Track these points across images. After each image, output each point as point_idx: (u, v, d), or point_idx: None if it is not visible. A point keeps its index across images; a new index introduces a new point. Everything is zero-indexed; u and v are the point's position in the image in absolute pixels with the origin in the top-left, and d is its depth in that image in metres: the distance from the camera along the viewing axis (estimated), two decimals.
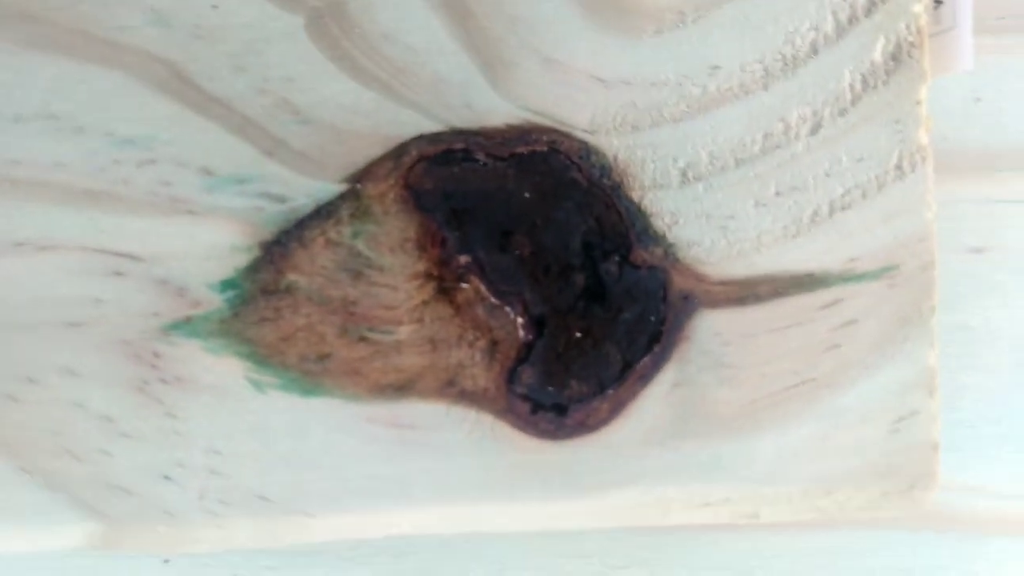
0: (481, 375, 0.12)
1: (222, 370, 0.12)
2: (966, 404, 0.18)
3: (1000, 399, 0.18)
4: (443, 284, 0.12)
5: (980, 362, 0.18)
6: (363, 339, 0.12)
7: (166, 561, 0.17)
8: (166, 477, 0.12)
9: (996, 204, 0.18)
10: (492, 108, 0.12)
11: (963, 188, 0.18)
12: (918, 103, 0.12)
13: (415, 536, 0.14)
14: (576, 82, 0.12)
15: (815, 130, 0.12)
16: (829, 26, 0.12)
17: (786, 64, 0.12)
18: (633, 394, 0.12)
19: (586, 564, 0.17)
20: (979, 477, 0.18)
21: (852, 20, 0.12)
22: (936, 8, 0.13)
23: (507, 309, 0.12)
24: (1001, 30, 0.17)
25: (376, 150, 0.12)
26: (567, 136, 0.12)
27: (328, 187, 0.12)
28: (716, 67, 0.12)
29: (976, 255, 0.18)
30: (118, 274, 0.12)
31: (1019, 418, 0.19)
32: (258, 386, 0.12)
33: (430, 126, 0.12)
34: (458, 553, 0.17)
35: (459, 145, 0.12)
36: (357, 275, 0.12)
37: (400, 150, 0.12)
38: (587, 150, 0.12)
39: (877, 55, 0.12)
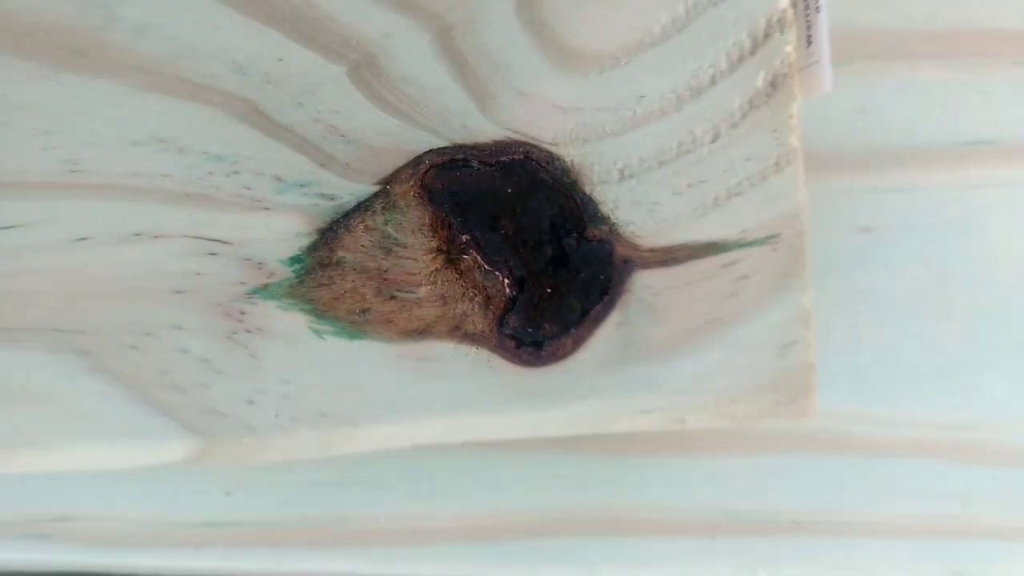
0: (479, 321, 0.16)
1: (291, 322, 0.16)
2: (861, 350, 0.23)
3: (888, 345, 0.23)
4: (450, 256, 0.16)
5: (871, 317, 0.23)
6: (393, 297, 0.16)
7: (228, 494, 0.21)
8: (249, 402, 0.16)
9: (880, 192, 0.23)
10: (483, 129, 0.16)
11: (854, 181, 0.23)
12: (791, 117, 0.17)
13: (431, 450, 0.18)
14: (542, 109, 0.16)
15: (715, 139, 0.16)
16: (724, 64, 0.16)
17: (693, 92, 0.16)
18: (589, 332, 0.16)
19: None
20: (874, 409, 0.23)
21: (740, 59, 0.16)
22: (808, 47, 0.18)
23: (497, 273, 0.16)
24: (874, 57, 0.22)
25: (400, 160, 0.16)
26: (536, 148, 0.16)
27: (365, 188, 0.16)
28: (642, 96, 0.16)
29: (865, 233, 0.22)
30: (212, 254, 0.16)
31: (905, 361, 0.23)
32: (318, 333, 0.16)
33: (438, 143, 0.16)
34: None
35: (459, 156, 0.16)
36: (388, 251, 0.16)
37: (417, 160, 0.16)
38: (551, 157, 0.16)
39: (760, 83, 0.16)
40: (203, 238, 0.16)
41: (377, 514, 0.21)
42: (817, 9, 0.17)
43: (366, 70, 0.16)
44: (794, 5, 0.17)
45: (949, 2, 0.22)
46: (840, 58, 0.21)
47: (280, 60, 0.16)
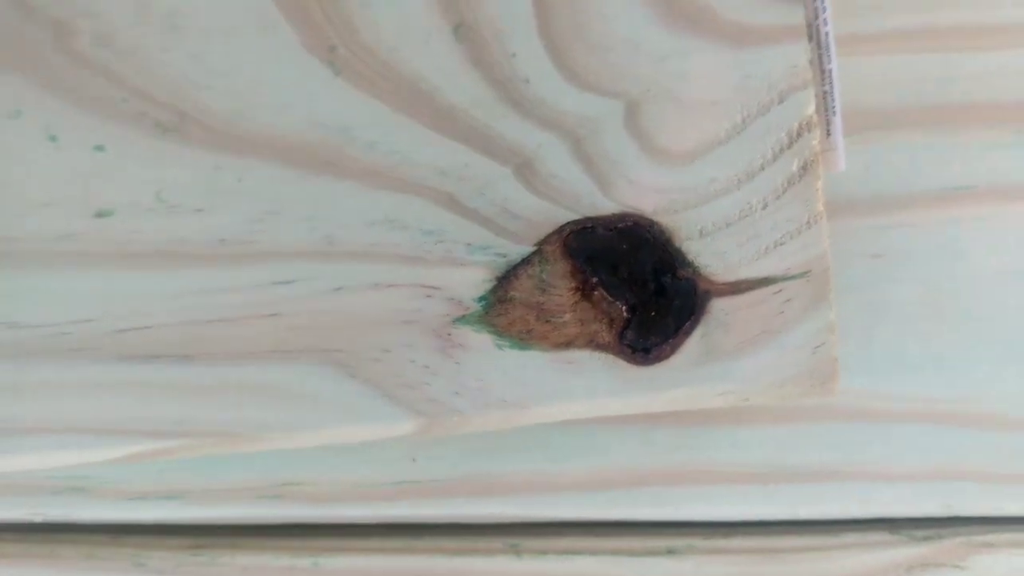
0: (606, 336, 0.24)
1: (481, 340, 0.24)
2: (874, 347, 0.30)
3: (894, 343, 0.30)
4: (584, 293, 0.24)
5: (880, 323, 0.30)
6: (548, 322, 0.24)
7: (414, 460, 0.29)
8: (456, 393, 0.24)
9: (885, 229, 0.30)
10: (604, 206, 0.24)
11: (865, 221, 0.30)
12: (817, 190, 0.24)
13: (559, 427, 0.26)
14: (645, 191, 0.24)
15: (764, 207, 0.24)
16: (769, 155, 0.24)
17: (748, 176, 0.24)
18: (681, 342, 0.24)
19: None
20: (884, 389, 0.30)
21: (781, 151, 0.24)
22: (828, 138, 0.25)
23: (617, 303, 0.24)
24: (877, 128, 0.29)
25: (549, 229, 0.24)
26: (642, 217, 0.24)
27: (527, 248, 0.24)
28: (713, 179, 0.24)
29: (875, 259, 0.30)
30: (428, 296, 0.24)
31: (907, 354, 0.30)
32: (499, 347, 0.24)
33: (574, 216, 0.24)
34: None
35: (589, 224, 0.24)
36: (543, 291, 0.24)
37: (561, 229, 0.24)
38: (652, 223, 0.24)
39: (794, 168, 0.24)
40: (422, 285, 0.24)
41: (521, 471, 0.29)
42: (834, 112, 0.25)
43: (526, 169, 0.23)
44: (817, 111, 0.24)
45: (934, 85, 0.29)
46: (852, 129, 0.29)
47: (467, 165, 0.23)
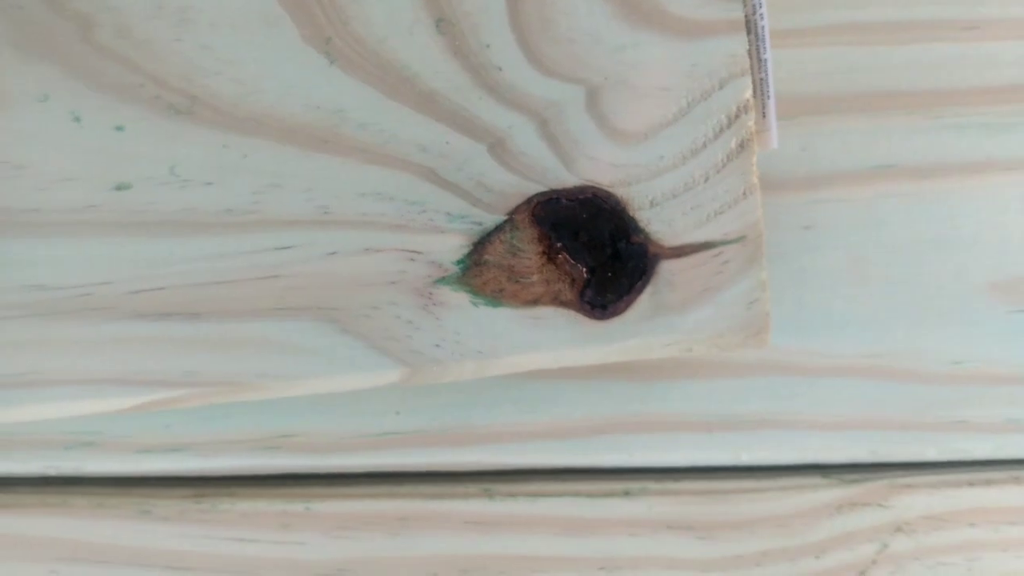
0: (568, 294, 0.27)
1: (458, 298, 0.27)
2: (804, 306, 0.33)
3: (822, 304, 0.34)
4: (550, 256, 0.27)
5: (809, 286, 0.33)
6: (517, 282, 0.27)
7: (397, 413, 0.32)
8: (436, 345, 0.27)
9: (816, 203, 0.33)
10: (567, 179, 0.27)
11: (798, 196, 0.33)
12: (752, 164, 0.27)
13: (527, 380, 0.29)
14: (603, 166, 0.27)
15: (706, 180, 0.27)
16: (711, 134, 0.27)
17: (692, 153, 0.27)
18: (634, 299, 0.27)
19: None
20: (812, 345, 0.34)
21: (721, 131, 0.27)
22: (764, 119, 0.29)
23: (579, 265, 0.27)
24: (812, 113, 0.33)
25: (519, 200, 0.27)
26: (600, 189, 0.27)
27: (499, 218, 0.27)
28: (662, 156, 0.27)
29: (806, 230, 0.33)
30: (411, 260, 0.27)
31: (833, 314, 0.34)
32: (474, 304, 0.27)
33: (541, 189, 0.27)
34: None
35: (554, 196, 0.27)
36: (513, 254, 0.27)
37: (529, 200, 0.27)
38: (608, 195, 0.27)
39: (733, 145, 0.27)
40: (406, 250, 0.27)
41: (493, 423, 0.32)
42: (768, 96, 0.28)
43: (498, 147, 0.27)
44: (754, 95, 0.28)
45: (860, 75, 0.33)
46: (788, 113, 0.32)
47: (447, 143, 0.27)
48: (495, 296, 0.27)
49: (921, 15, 0.33)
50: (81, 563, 0.32)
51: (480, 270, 0.27)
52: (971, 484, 0.33)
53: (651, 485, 0.33)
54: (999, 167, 0.33)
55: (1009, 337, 0.33)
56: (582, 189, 0.27)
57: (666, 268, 0.27)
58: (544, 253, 0.27)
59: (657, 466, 0.33)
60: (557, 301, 0.27)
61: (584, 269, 0.27)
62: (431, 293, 0.27)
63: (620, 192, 0.27)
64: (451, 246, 0.27)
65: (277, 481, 0.32)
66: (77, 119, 0.26)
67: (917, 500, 0.33)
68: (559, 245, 0.27)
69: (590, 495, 0.32)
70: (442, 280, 0.27)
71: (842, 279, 0.33)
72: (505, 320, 0.27)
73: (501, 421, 0.32)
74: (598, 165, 0.27)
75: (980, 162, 0.33)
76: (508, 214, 0.27)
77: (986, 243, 0.33)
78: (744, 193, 0.27)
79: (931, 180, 0.33)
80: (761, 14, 0.28)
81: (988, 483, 0.33)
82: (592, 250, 0.27)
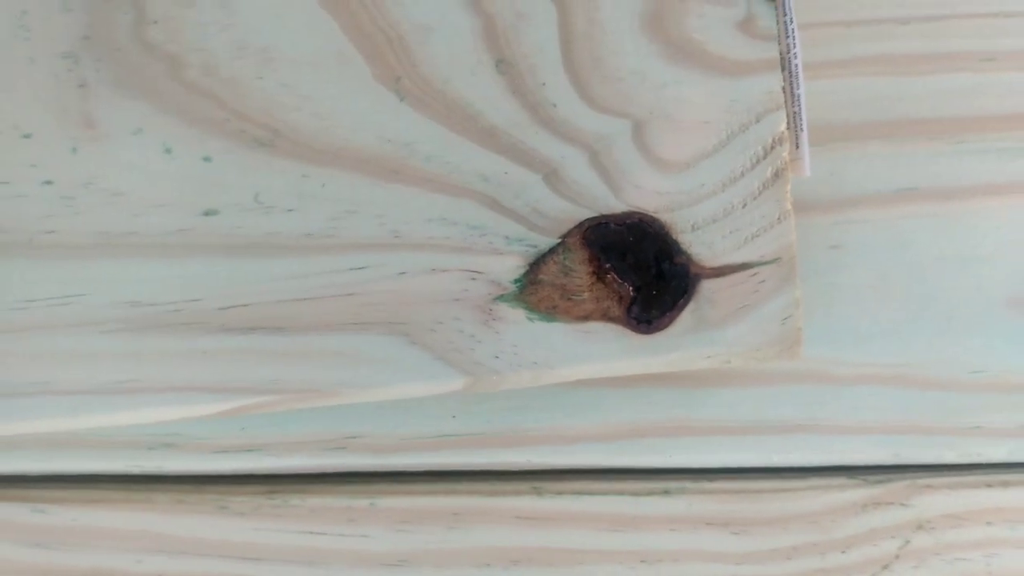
0: (616, 310, 0.30)
1: (516, 314, 0.29)
2: (833, 320, 0.36)
3: (850, 318, 0.36)
4: (599, 276, 0.30)
5: (838, 301, 0.36)
6: (569, 299, 0.30)
7: (454, 416, 0.35)
8: (496, 357, 0.29)
9: (844, 224, 0.35)
10: (616, 206, 0.29)
11: (827, 217, 0.36)
12: (786, 192, 0.30)
13: (574, 389, 0.31)
14: (648, 194, 0.29)
15: (744, 206, 0.29)
16: (748, 164, 0.29)
17: (731, 181, 0.29)
18: (677, 315, 0.30)
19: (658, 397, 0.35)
20: (841, 356, 0.36)
21: (758, 161, 0.29)
22: (797, 149, 0.31)
23: (626, 284, 0.30)
24: (841, 140, 0.35)
25: (571, 225, 0.29)
26: (645, 215, 0.29)
27: (553, 240, 0.29)
28: (703, 184, 0.29)
29: (834, 249, 0.36)
30: (473, 279, 0.29)
31: (860, 328, 0.36)
32: (530, 320, 0.29)
33: (591, 214, 0.29)
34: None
35: (603, 221, 0.29)
36: (566, 274, 0.30)
37: (580, 224, 0.29)
38: (654, 220, 0.29)
39: (768, 174, 0.30)
40: (469, 270, 0.29)
41: (542, 426, 0.35)
42: (801, 129, 0.31)
43: (553, 177, 0.29)
44: (788, 128, 0.30)
45: (886, 104, 0.35)
46: (818, 140, 0.35)
47: (506, 173, 0.29)
48: (549, 312, 0.30)
49: (943, 48, 0.35)
50: (163, 554, 0.34)
51: (535, 288, 0.29)
52: (988, 485, 0.36)
53: (689, 484, 0.35)
54: (1017, 189, 0.35)
55: None
56: (629, 215, 0.29)
57: (707, 287, 0.30)
58: (594, 273, 0.29)
59: (694, 467, 0.35)
60: (606, 317, 0.30)
61: (631, 287, 0.29)
62: (491, 309, 0.29)
63: (664, 217, 0.29)
64: (509, 267, 0.29)
65: (343, 479, 0.35)
66: (168, 151, 0.29)
67: (937, 500, 0.36)
68: (608, 266, 0.29)
69: (632, 493, 0.35)
70: (501, 297, 0.29)
71: (868, 295, 0.35)
72: (558, 334, 0.30)
73: (550, 425, 0.35)
74: (644, 193, 0.29)
75: (999, 184, 0.35)
76: (561, 237, 0.29)
77: (1005, 260, 0.35)
78: (779, 218, 0.29)
79: (952, 202, 0.35)
80: (795, 53, 0.30)
81: (1004, 484, 0.36)
82: (638, 270, 0.29)
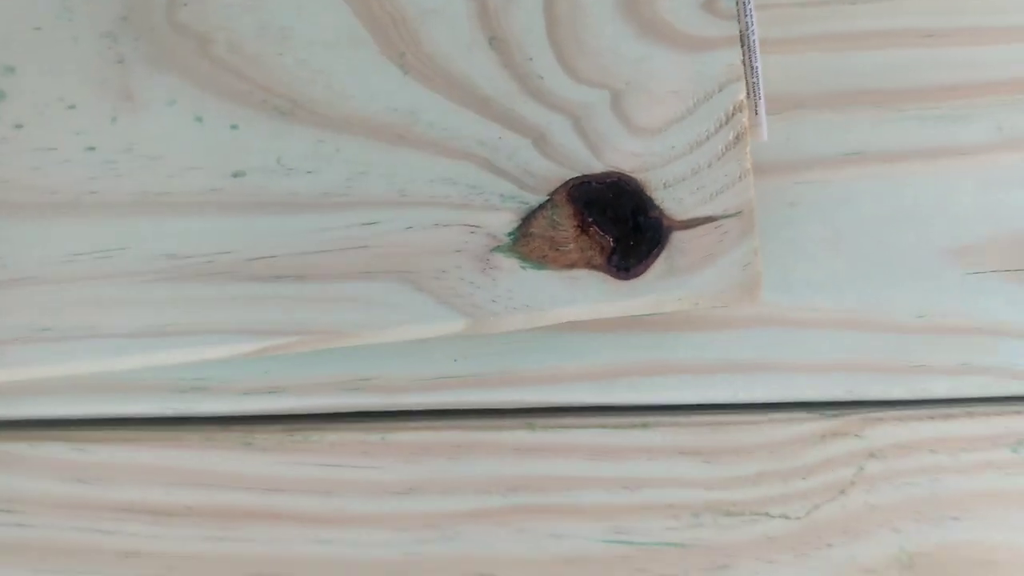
0: (598, 259, 0.33)
1: (510, 263, 0.33)
2: (790, 270, 0.40)
3: (804, 269, 0.40)
4: (583, 228, 0.33)
5: (796, 251, 0.40)
6: (557, 250, 0.33)
7: (455, 360, 0.39)
8: (493, 301, 0.33)
9: (799, 184, 0.39)
10: (597, 166, 0.33)
11: (784, 178, 0.40)
12: (746, 153, 0.34)
13: (562, 331, 0.35)
14: (625, 155, 0.33)
15: (710, 166, 0.33)
16: (712, 128, 0.33)
17: (698, 143, 0.33)
18: (651, 262, 0.33)
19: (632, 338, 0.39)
20: (797, 302, 0.40)
21: (720, 126, 0.33)
22: (756, 116, 0.35)
23: (607, 235, 0.33)
24: (796, 108, 0.39)
25: (558, 184, 0.33)
26: (623, 174, 0.33)
27: (542, 198, 0.33)
28: (673, 147, 0.33)
29: (791, 207, 0.40)
30: (472, 232, 0.33)
31: (814, 277, 0.40)
32: (523, 268, 0.33)
33: (575, 174, 0.33)
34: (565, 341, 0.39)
35: (586, 180, 0.33)
36: (554, 227, 0.33)
37: (566, 183, 0.33)
38: (631, 179, 0.33)
39: (730, 137, 0.34)
40: (468, 225, 0.33)
41: (533, 368, 0.38)
42: (759, 97, 0.35)
43: (541, 141, 0.33)
44: (748, 97, 0.34)
45: (836, 76, 0.39)
46: (776, 109, 0.39)
47: (499, 138, 0.33)
48: (540, 261, 0.33)
49: (887, 25, 0.39)
50: (192, 486, 0.38)
51: (527, 240, 0.33)
52: (932, 418, 0.40)
53: (664, 419, 0.39)
54: (954, 152, 0.39)
55: (963, 295, 0.40)
56: (608, 174, 0.33)
57: (677, 238, 0.34)
58: (578, 226, 0.33)
59: (669, 403, 0.39)
60: (589, 265, 0.34)
61: (611, 239, 0.33)
62: (488, 259, 0.33)
63: (639, 176, 0.33)
64: (504, 221, 0.33)
65: (358, 417, 0.39)
66: (199, 119, 0.33)
67: (887, 431, 0.40)
68: (590, 220, 0.33)
69: (614, 427, 0.39)
70: (497, 248, 0.33)
71: (821, 247, 0.39)
72: (547, 280, 0.33)
73: (540, 367, 0.39)
74: (621, 154, 0.33)
75: (938, 148, 0.39)
76: (549, 195, 0.33)
77: (942, 216, 0.39)
78: (740, 176, 0.34)
79: (896, 164, 0.39)
80: (753, 30, 0.34)
81: (946, 417, 0.40)
82: (617, 223, 0.33)
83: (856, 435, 0.39)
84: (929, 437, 0.39)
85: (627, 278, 0.33)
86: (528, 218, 0.33)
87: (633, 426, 0.39)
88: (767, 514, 0.39)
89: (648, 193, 0.33)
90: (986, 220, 0.39)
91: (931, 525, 0.39)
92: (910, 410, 0.40)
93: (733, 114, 0.33)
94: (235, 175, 0.33)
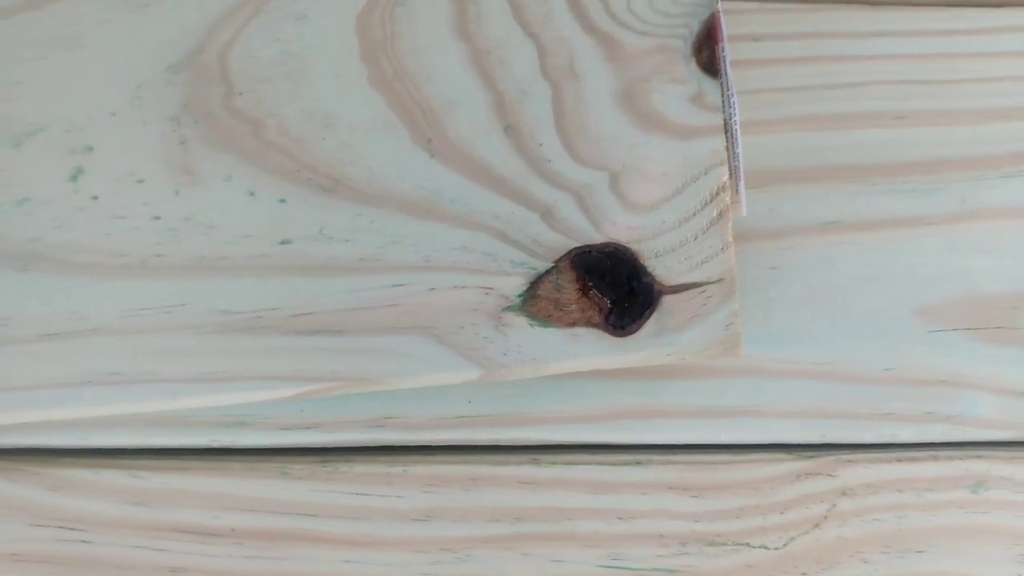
0: (597, 318, 0.38)
1: (519, 321, 0.38)
2: (771, 325, 0.44)
3: (782, 325, 0.45)
4: (584, 292, 0.38)
5: (777, 309, 0.44)
6: (561, 310, 0.38)
7: (469, 401, 0.44)
8: (504, 354, 0.38)
9: (780, 249, 0.44)
10: (596, 237, 0.38)
11: (765, 244, 0.44)
12: (728, 227, 0.38)
13: (564, 379, 0.40)
14: (621, 229, 0.38)
15: (696, 239, 0.38)
16: (698, 205, 0.38)
17: (686, 219, 0.38)
18: (644, 322, 0.38)
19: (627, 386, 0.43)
20: (774, 355, 0.44)
21: (705, 204, 0.38)
22: (736, 194, 0.40)
23: (604, 298, 0.38)
24: (778, 182, 0.44)
25: (562, 252, 0.38)
26: (620, 245, 0.38)
27: (548, 264, 0.38)
28: (664, 222, 0.38)
29: (771, 270, 0.44)
30: (486, 294, 0.38)
31: (791, 333, 0.45)
32: (531, 325, 0.38)
33: (578, 244, 0.38)
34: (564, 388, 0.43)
35: (587, 249, 0.38)
36: (558, 291, 0.38)
37: (570, 252, 0.38)
38: (626, 249, 0.38)
39: (715, 214, 0.38)
40: (484, 287, 0.38)
41: (539, 410, 0.43)
42: (739, 179, 0.39)
43: (548, 215, 0.38)
44: (730, 178, 0.39)
45: (814, 154, 0.44)
46: (760, 183, 0.44)
47: (512, 212, 0.38)
48: (545, 319, 0.38)
49: (862, 108, 0.44)
50: (236, 511, 0.43)
51: (535, 301, 0.38)
52: (899, 460, 0.44)
53: (655, 457, 0.44)
54: (921, 222, 0.44)
55: (927, 350, 0.44)
56: (607, 244, 0.38)
57: (667, 301, 0.38)
58: (580, 290, 0.38)
59: (660, 443, 0.44)
60: (589, 323, 0.38)
61: (608, 301, 0.38)
62: (500, 317, 0.38)
63: (634, 247, 0.38)
64: (514, 284, 0.38)
65: (382, 451, 0.43)
66: (251, 194, 0.38)
67: (857, 472, 0.44)
68: (590, 284, 0.38)
69: (611, 464, 0.43)
70: (508, 308, 0.38)
71: (799, 305, 0.44)
72: (552, 336, 0.38)
73: (545, 409, 0.43)
74: (618, 228, 0.38)
75: (906, 218, 0.44)
76: (554, 262, 0.38)
77: (910, 279, 0.44)
78: (722, 248, 0.38)
79: (868, 232, 0.44)
80: (735, 120, 0.39)
81: (912, 460, 0.44)
82: (614, 287, 0.38)
83: (829, 475, 0.44)
84: (896, 478, 0.43)
85: (622, 335, 0.38)
86: (536, 282, 0.38)
87: (627, 463, 0.43)
88: (748, 544, 0.44)
89: (641, 262, 0.38)
90: (949, 283, 0.44)
91: (897, 557, 0.44)
92: (879, 453, 0.44)
93: (717, 194, 0.38)
94: (282, 242, 0.38)
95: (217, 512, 0.42)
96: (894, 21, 0.44)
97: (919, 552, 0.43)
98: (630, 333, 0.38)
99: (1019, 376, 0.43)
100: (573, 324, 0.38)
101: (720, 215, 0.38)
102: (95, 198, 0.38)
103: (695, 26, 0.38)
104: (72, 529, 0.43)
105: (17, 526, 0.43)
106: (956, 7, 0.45)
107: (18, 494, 0.43)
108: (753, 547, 0.43)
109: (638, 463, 0.43)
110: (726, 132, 0.38)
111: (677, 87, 0.38)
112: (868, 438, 0.43)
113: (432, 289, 0.38)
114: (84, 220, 0.37)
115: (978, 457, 0.43)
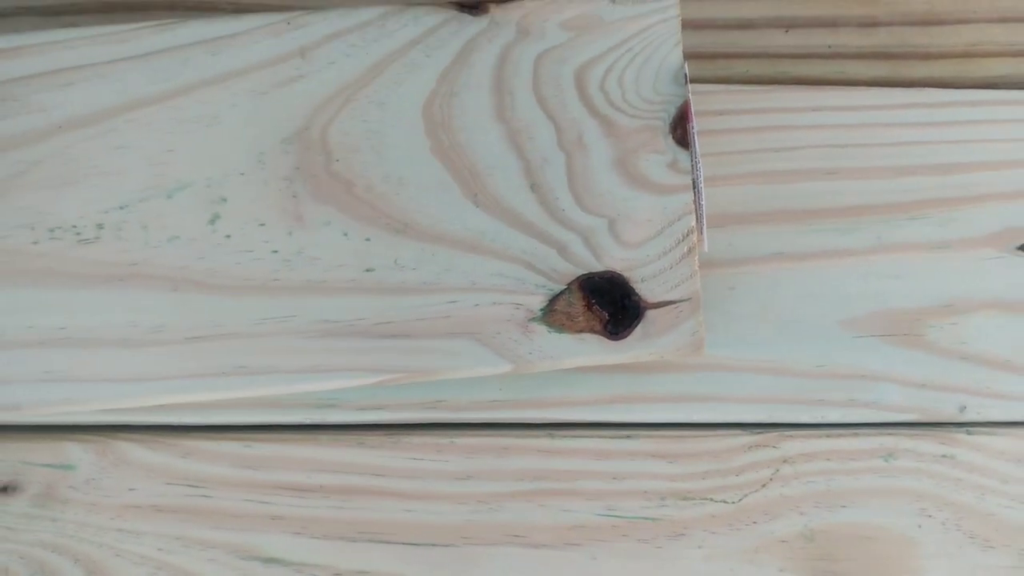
0: (598, 327, 0.51)
1: (541, 329, 0.51)
2: (729, 333, 0.57)
3: (738, 335, 0.58)
4: (589, 307, 0.52)
5: (734, 320, 0.58)
6: (572, 321, 0.51)
7: (500, 389, 0.57)
8: (529, 353, 0.51)
9: (738, 275, 0.57)
10: (598, 267, 0.51)
11: (725, 270, 0.57)
12: (695, 260, 0.51)
13: (566, 374, 0.54)
14: (617, 260, 0.51)
15: (672, 267, 0.51)
16: (674, 243, 0.51)
17: (665, 253, 0.51)
18: (632, 331, 0.51)
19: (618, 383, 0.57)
20: (731, 356, 0.58)
21: (678, 243, 0.51)
22: (702, 235, 0.53)
23: (604, 312, 0.51)
24: (736, 224, 0.57)
25: (572, 278, 0.51)
26: (615, 272, 0.51)
27: (563, 287, 0.51)
28: (648, 255, 0.51)
29: (730, 290, 0.57)
30: (517, 309, 0.51)
31: (745, 340, 0.58)
32: (550, 332, 0.51)
33: (583, 272, 0.51)
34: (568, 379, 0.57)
35: (590, 276, 0.51)
36: (569, 306, 0.51)
37: (578, 278, 0.51)
38: (621, 275, 0.51)
39: (684, 249, 0.52)
40: (515, 304, 0.51)
41: (554, 395, 0.57)
42: (703, 224, 0.53)
43: (563, 250, 0.51)
44: (696, 223, 0.52)
45: (766, 200, 0.57)
46: (721, 224, 0.57)
47: (536, 248, 0.52)
48: (560, 327, 0.52)
49: (800, 166, 0.57)
50: (323, 472, 0.56)
51: (552, 314, 0.52)
52: (828, 436, 0.56)
53: (641, 432, 0.57)
54: (845, 254, 0.57)
55: (851, 352, 0.56)
56: (606, 272, 0.51)
57: (650, 315, 0.52)
58: (585, 306, 0.52)
59: (645, 422, 0.57)
60: (592, 331, 0.52)
61: (606, 314, 0.52)
62: (527, 326, 0.52)
63: (626, 274, 0.52)
64: (537, 302, 0.52)
65: (434, 427, 0.56)
66: (345, 234, 0.51)
67: (796, 445, 0.57)
68: (593, 301, 0.52)
69: (608, 437, 0.56)
70: (533, 319, 0.52)
71: (751, 318, 0.57)
72: (565, 340, 0.52)
73: (559, 395, 0.57)
74: (615, 260, 0.52)
75: (835, 250, 0.57)
76: (567, 285, 0.51)
77: (837, 297, 0.57)
78: (690, 275, 0.52)
79: (806, 261, 0.57)
80: (700, 180, 0.53)
81: (838, 436, 0.56)
82: (611, 304, 0.52)
83: (774, 447, 0.57)
84: (826, 449, 0.55)
85: (617, 340, 0.52)
86: (553, 300, 0.51)
87: (620, 437, 0.57)
88: (711, 499, 0.57)
89: (631, 285, 0.51)
90: (867, 300, 0.57)
91: (827, 510, 0.57)
92: (812, 431, 0.56)
93: (686, 235, 0.51)
94: (367, 270, 0.51)
95: (310, 473, 0.55)
96: (826, 99, 0.57)
97: (843, 507, 0.56)
98: (623, 338, 0.51)
99: (921, 372, 0.56)
100: (580, 331, 0.51)
101: (689, 250, 0.51)
102: (228, 236, 0.51)
103: (672, 111, 0.51)
104: (197, 487, 0.56)
105: (156, 484, 0.56)
106: (875, 87, 0.58)
107: (157, 460, 0.56)
108: (715, 501, 0.57)
109: (628, 437, 0.56)
110: (694, 188, 0.52)
111: (658, 156, 0.51)
112: (804, 419, 0.54)
113: (477, 305, 0.51)
114: (220, 253, 0.51)
115: (889, 434, 0.55)
